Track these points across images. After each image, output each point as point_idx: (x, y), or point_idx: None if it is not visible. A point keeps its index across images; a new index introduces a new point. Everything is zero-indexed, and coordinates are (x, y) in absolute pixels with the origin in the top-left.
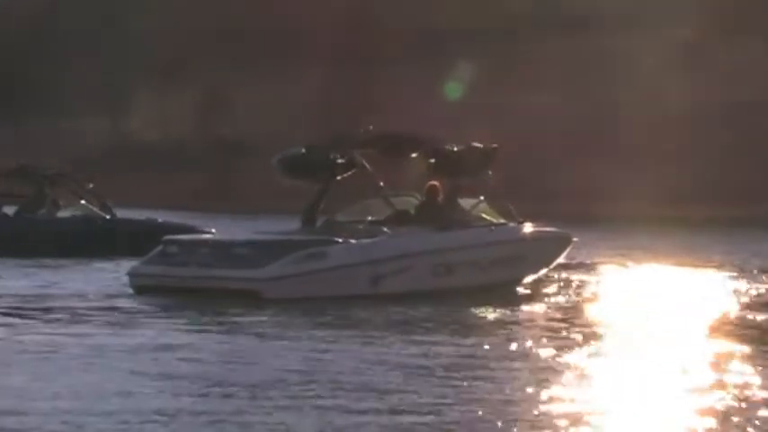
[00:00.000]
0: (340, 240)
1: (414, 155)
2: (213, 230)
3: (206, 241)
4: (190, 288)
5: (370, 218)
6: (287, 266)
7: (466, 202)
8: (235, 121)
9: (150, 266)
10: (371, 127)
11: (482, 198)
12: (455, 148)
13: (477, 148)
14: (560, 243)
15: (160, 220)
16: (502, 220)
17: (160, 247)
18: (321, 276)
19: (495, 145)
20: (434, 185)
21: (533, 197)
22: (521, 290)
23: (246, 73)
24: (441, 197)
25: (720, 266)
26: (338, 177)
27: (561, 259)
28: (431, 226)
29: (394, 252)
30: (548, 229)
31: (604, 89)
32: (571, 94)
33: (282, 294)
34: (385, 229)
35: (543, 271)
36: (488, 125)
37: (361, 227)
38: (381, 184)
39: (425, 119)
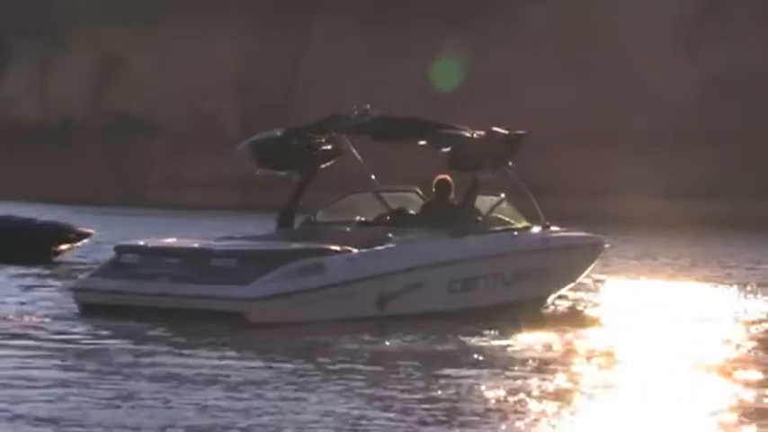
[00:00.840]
0: (337, 249)
1: (422, 142)
2: (92, 231)
3: (176, 250)
4: (156, 308)
5: (359, 218)
6: (278, 283)
7: (482, 201)
8: (136, 92)
9: (104, 280)
10: (368, 107)
11: (502, 196)
12: (474, 135)
13: (500, 134)
14: (592, 251)
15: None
16: (525, 224)
17: (113, 256)
18: (319, 295)
19: (521, 131)
20: (445, 180)
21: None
22: (539, 309)
23: (149, 33)
24: (452, 195)
25: (741, 281)
26: (321, 167)
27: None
28: (440, 230)
29: (404, 264)
30: (576, 233)
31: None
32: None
33: (272, 317)
34: (390, 235)
35: (571, 284)
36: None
37: (349, 229)
38: (373, 177)
39: (368, 88)
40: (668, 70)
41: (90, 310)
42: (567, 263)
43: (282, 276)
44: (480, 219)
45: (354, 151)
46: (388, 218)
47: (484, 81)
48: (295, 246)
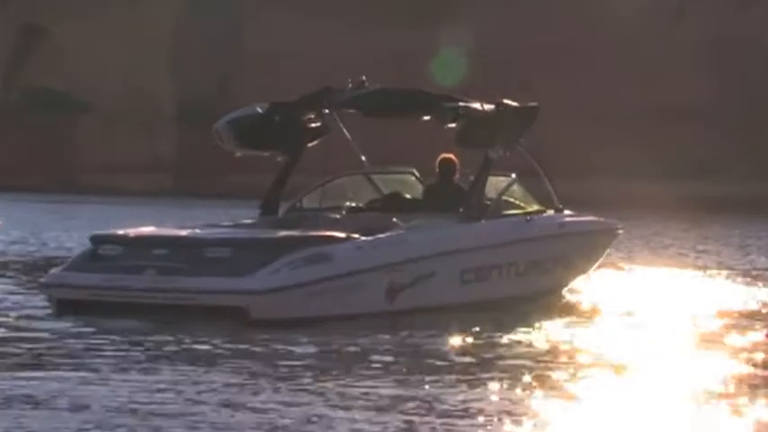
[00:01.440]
0: (343, 236)
1: (425, 117)
2: None
3: (163, 239)
4: (143, 305)
5: (349, 204)
6: (282, 274)
7: (492, 182)
8: (59, 65)
9: (81, 274)
10: (364, 78)
11: (513, 176)
12: (484, 108)
13: (512, 107)
14: (607, 237)
15: None
16: (537, 207)
17: (88, 248)
18: (326, 287)
19: (533, 104)
20: (450, 159)
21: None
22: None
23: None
24: (458, 175)
25: (735, 272)
26: (307, 147)
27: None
28: (448, 215)
29: (415, 253)
30: (590, 218)
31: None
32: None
33: (277, 312)
34: (394, 221)
35: (586, 274)
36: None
37: (339, 216)
38: (363, 158)
39: (315, 60)
40: (659, 39)
41: (65, 307)
42: (584, 250)
43: (287, 267)
44: (491, 202)
45: (344, 129)
46: (382, 203)
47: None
48: (296, 233)
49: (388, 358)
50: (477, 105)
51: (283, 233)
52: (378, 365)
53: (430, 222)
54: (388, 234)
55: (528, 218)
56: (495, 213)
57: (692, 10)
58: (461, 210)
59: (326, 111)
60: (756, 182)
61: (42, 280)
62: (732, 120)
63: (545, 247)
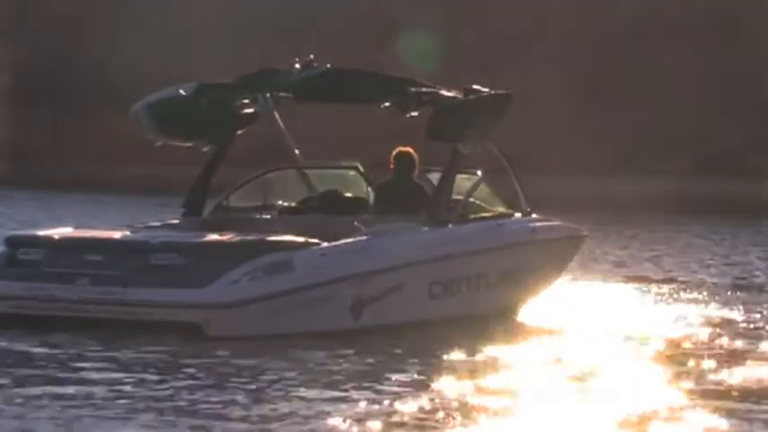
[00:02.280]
0: (302, 241)
1: (386, 103)
2: None
3: (97, 242)
4: (74, 319)
5: (281, 202)
6: (242, 285)
7: (458, 181)
8: None
9: None
10: (312, 57)
11: (480, 174)
12: (456, 95)
13: (486, 95)
14: (575, 243)
15: None
16: (504, 209)
17: (4, 251)
18: (288, 301)
19: (506, 91)
20: (408, 153)
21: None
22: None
23: None
24: (416, 172)
25: (691, 285)
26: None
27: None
28: (410, 218)
29: (383, 262)
30: (557, 222)
31: None
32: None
33: (236, 329)
34: (356, 224)
35: (553, 284)
36: None
37: (270, 217)
38: (297, 151)
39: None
40: None
41: None
42: (555, 258)
43: (247, 276)
44: (458, 204)
45: (277, 116)
46: (320, 202)
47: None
48: (254, 237)
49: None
50: (445, 92)
51: (239, 237)
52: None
53: (393, 227)
54: (352, 240)
55: (498, 222)
56: (463, 217)
57: None
58: (427, 213)
59: (267, 95)
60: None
61: None
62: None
63: (516, 255)
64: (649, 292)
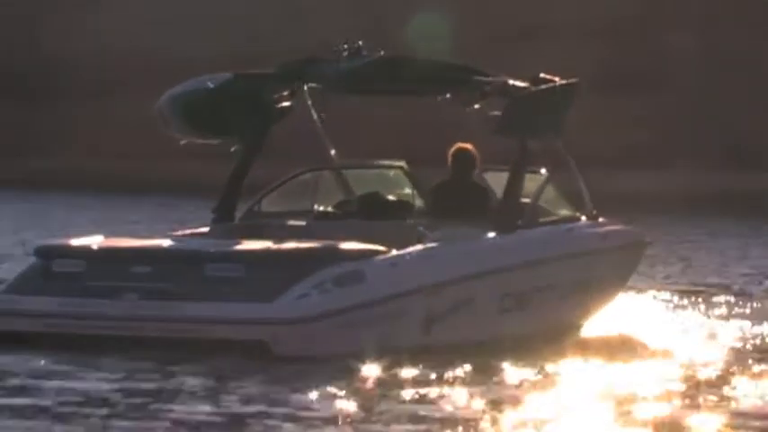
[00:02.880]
0: (372, 248)
1: (447, 95)
2: None
3: (145, 251)
4: (123, 339)
5: (317, 207)
6: (312, 298)
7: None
8: None
9: (31, 298)
10: (360, 43)
11: (546, 173)
12: (524, 85)
13: (557, 85)
14: (640, 250)
15: None
16: (570, 212)
17: (36, 263)
18: (359, 315)
19: (573, 80)
20: (468, 151)
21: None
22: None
23: None
24: (477, 171)
25: (712, 293)
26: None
27: None
28: (476, 222)
29: (455, 272)
30: (620, 226)
31: None
32: None
33: (306, 348)
34: (421, 229)
35: (617, 296)
36: None
37: (305, 223)
38: (333, 151)
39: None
40: None
41: (9, 340)
42: (624, 267)
43: (316, 289)
44: (526, 206)
45: (313, 111)
46: (359, 206)
47: None
48: (318, 244)
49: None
50: (512, 81)
51: (304, 245)
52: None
53: (460, 233)
54: (421, 248)
55: (567, 227)
56: (532, 221)
57: None
58: (495, 217)
59: (313, 86)
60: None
61: None
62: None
63: (588, 264)
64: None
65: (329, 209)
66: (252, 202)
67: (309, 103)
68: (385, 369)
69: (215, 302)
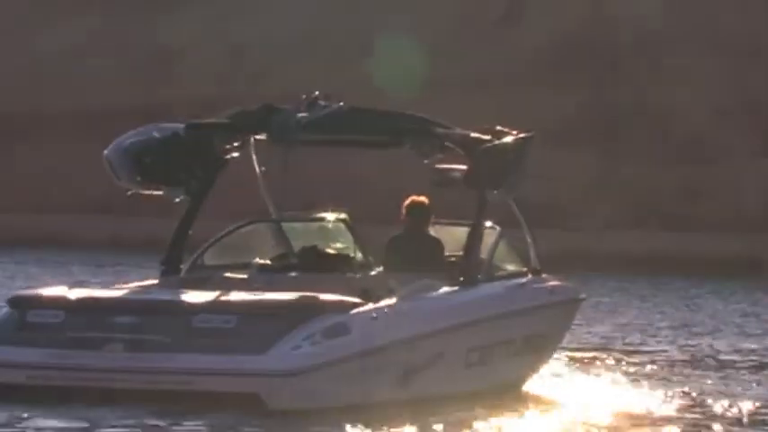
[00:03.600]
0: (350, 301)
1: (410, 146)
2: None
3: (129, 302)
4: (108, 391)
5: (258, 260)
6: (305, 350)
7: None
8: None
9: (7, 348)
10: (317, 93)
11: (499, 228)
12: (484, 137)
13: (517, 138)
14: (577, 305)
15: None
16: (520, 267)
17: (8, 313)
18: (346, 368)
19: (530, 133)
20: (423, 204)
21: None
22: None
23: None
24: (430, 223)
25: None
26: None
27: None
28: (424, 275)
29: (428, 326)
30: (559, 282)
31: None
32: None
33: (299, 401)
34: (391, 282)
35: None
36: None
37: (247, 276)
38: (270, 207)
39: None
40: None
41: None
42: (565, 323)
43: (307, 341)
44: (483, 261)
45: (255, 161)
46: (296, 258)
47: None
48: (303, 296)
49: None
50: (474, 134)
51: (290, 296)
52: None
53: (423, 286)
54: (399, 300)
55: (521, 281)
56: (490, 275)
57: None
58: (460, 270)
59: (274, 139)
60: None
61: None
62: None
63: (538, 319)
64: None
65: (268, 261)
66: (196, 255)
67: (253, 154)
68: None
69: (204, 354)
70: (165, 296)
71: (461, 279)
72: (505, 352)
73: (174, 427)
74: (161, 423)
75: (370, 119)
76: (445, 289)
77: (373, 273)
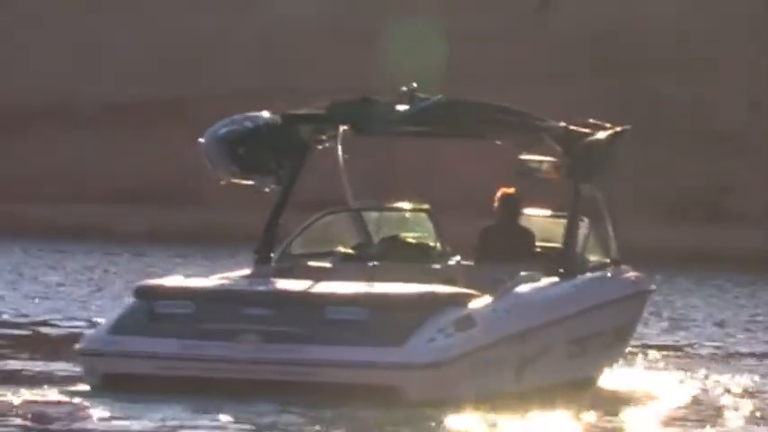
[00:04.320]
0: (471, 293)
1: (509, 138)
2: None
3: (260, 294)
4: (243, 382)
5: (340, 249)
6: (439, 343)
7: (555, 225)
8: None
9: (139, 339)
10: (414, 86)
11: (587, 220)
12: (584, 131)
13: (609, 132)
14: (648, 298)
15: None
16: (606, 259)
17: (136, 303)
18: (476, 360)
19: (626, 126)
20: (514, 196)
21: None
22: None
23: None
24: (522, 214)
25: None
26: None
27: None
28: (517, 266)
29: (542, 317)
30: (636, 273)
31: None
32: None
33: (437, 393)
34: (499, 274)
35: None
36: None
37: (330, 265)
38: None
39: None
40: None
41: (114, 383)
42: (641, 313)
43: (440, 333)
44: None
45: (340, 152)
46: (376, 248)
47: None
48: (432, 288)
49: None
50: (573, 127)
51: (419, 288)
52: None
53: (528, 277)
54: (513, 292)
55: (609, 273)
56: (583, 267)
57: None
58: (560, 261)
59: (375, 131)
60: None
61: (79, 346)
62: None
63: (624, 310)
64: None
65: (350, 251)
66: (284, 244)
67: (339, 144)
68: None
69: (340, 346)
70: (297, 287)
71: (562, 271)
72: (599, 343)
73: (309, 419)
74: (296, 414)
75: (470, 111)
76: (549, 281)
77: (451, 262)
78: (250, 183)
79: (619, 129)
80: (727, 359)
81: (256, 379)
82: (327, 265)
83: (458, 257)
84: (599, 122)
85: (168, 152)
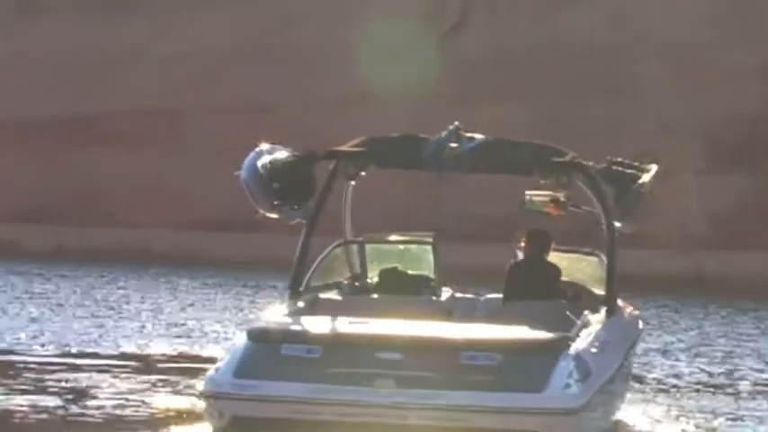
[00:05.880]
0: (567, 335)
1: (548, 178)
2: None
3: (391, 338)
4: (379, 426)
5: (344, 280)
6: (576, 388)
7: (585, 263)
8: None
9: (269, 383)
10: (457, 124)
11: (602, 257)
12: (628, 172)
13: (652, 172)
14: (639, 335)
15: None
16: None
17: (258, 346)
18: (598, 403)
19: (659, 166)
20: (543, 233)
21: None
22: None
23: None
24: (551, 250)
25: None
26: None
27: None
28: (542, 301)
29: (619, 357)
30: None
31: None
32: None
33: None
34: (568, 312)
35: None
36: None
37: (341, 298)
38: (348, 227)
39: None
40: None
41: (241, 427)
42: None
43: (571, 378)
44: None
45: (352, 183)
46: (376, 280)
47: None
48: (552, 335)
49: None
50: (614, 167)
51: (541, 334)
52: None
53: (590, 316)
54: (598, 333)
55: (625, 311)
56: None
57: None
58: (605, 299)
59: (429, 169)
60: None
61: (205, 387)
62: None
63: (634, 348)
64: None
65: (354, 282)
66: (308, 276)
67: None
68: None
69: (478, 391)
70: (427, 332)
71: (606, 309)
72: (625, 380)
73: None
74: None
75: (514, 150)
76: (603, 318)
77: (445, 295)
78: (275, 216)
79: (653, 169)
80: None
81: (394, 423)
82: (339, 298)
83: (448, 289)
84: (630, 162)
85: (76, 169)
